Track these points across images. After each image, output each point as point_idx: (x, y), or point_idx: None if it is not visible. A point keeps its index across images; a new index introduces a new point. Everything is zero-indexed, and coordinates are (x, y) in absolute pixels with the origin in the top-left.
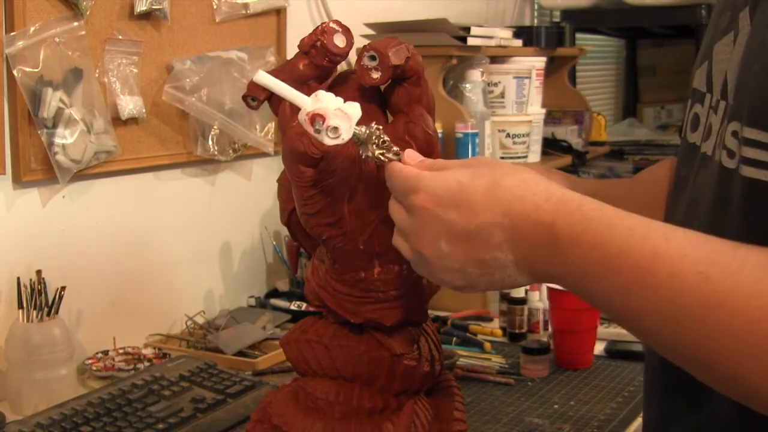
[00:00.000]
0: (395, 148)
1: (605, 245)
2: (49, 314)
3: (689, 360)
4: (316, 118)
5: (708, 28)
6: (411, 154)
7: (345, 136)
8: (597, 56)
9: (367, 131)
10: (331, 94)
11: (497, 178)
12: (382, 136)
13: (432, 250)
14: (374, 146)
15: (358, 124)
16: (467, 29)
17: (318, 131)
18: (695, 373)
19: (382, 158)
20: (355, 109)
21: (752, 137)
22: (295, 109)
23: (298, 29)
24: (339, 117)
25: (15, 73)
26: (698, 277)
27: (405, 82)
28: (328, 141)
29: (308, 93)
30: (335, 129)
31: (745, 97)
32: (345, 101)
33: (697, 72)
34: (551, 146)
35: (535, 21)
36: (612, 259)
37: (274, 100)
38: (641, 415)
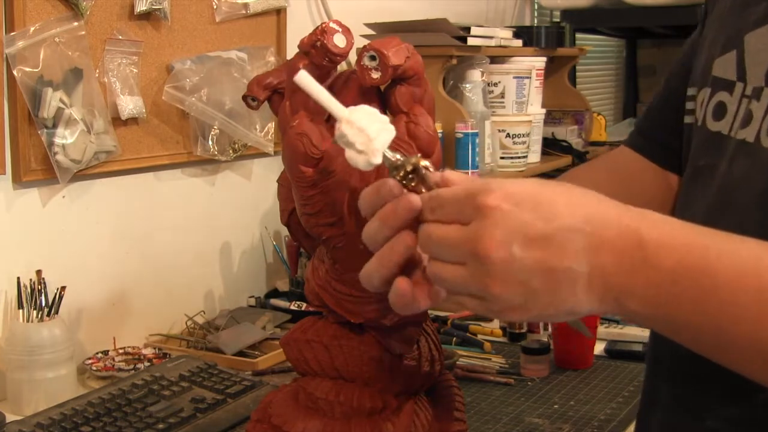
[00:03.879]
0: (430, 183)
1: (703, 248)
2: (49, 314)
3: None
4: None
5: (727, 19)
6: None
7: (372, 161)
8: (597, 56)
9: (400, 162)
10: (371, 111)
11: (569, 188)
12: (411, 173)
13: (502, 253)
14: (400, 177)
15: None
16: (467, 29)
17: (343, 145)
18: None
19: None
20: (384, 135)
21: None
22: (295, 109)
23: (298, 29)
24: (365, 145)
25: (15, 73)
26: None
27: (405, 82)
28: (351, 162)
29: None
30: (359, 154)
31: None
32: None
33: (717, 61)
34: (551, 146)
35: (535, 21)
36: (712, 261)
37: (274, 100)
38: None
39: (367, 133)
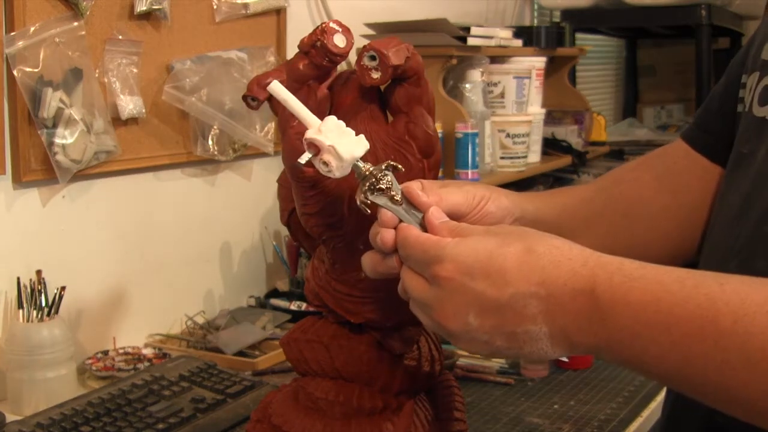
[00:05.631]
0: (397, 196)
1: (656, 302)
2: (49, 314)
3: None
4: (311, 146)
5: None
6: (435, 212)
7: (336, 173)
8: (597, 56)
9: (368, 172)
10: (340, 124)
11: (529, 244)
12: (380, 182)
13: (458, 324)
14: (366, 190)
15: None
16: (467, 29)
17: (312, 158)
18: None
19: (365, 207)
20: (351, 149)
21: None
22: None
23: (298, 29)
24: (331, 154)
25: (15, 73)
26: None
27: (405, 82)
28: (321, 170)
29: (308, 93)
30: (326, 164)
31: None
32: (361, 131)
33: (767, 45)
34: (551, 146)
35: (535, 21)
36: (665, 315)
37: (274, 100)
38: (641, 414)
39: (339, 142)
